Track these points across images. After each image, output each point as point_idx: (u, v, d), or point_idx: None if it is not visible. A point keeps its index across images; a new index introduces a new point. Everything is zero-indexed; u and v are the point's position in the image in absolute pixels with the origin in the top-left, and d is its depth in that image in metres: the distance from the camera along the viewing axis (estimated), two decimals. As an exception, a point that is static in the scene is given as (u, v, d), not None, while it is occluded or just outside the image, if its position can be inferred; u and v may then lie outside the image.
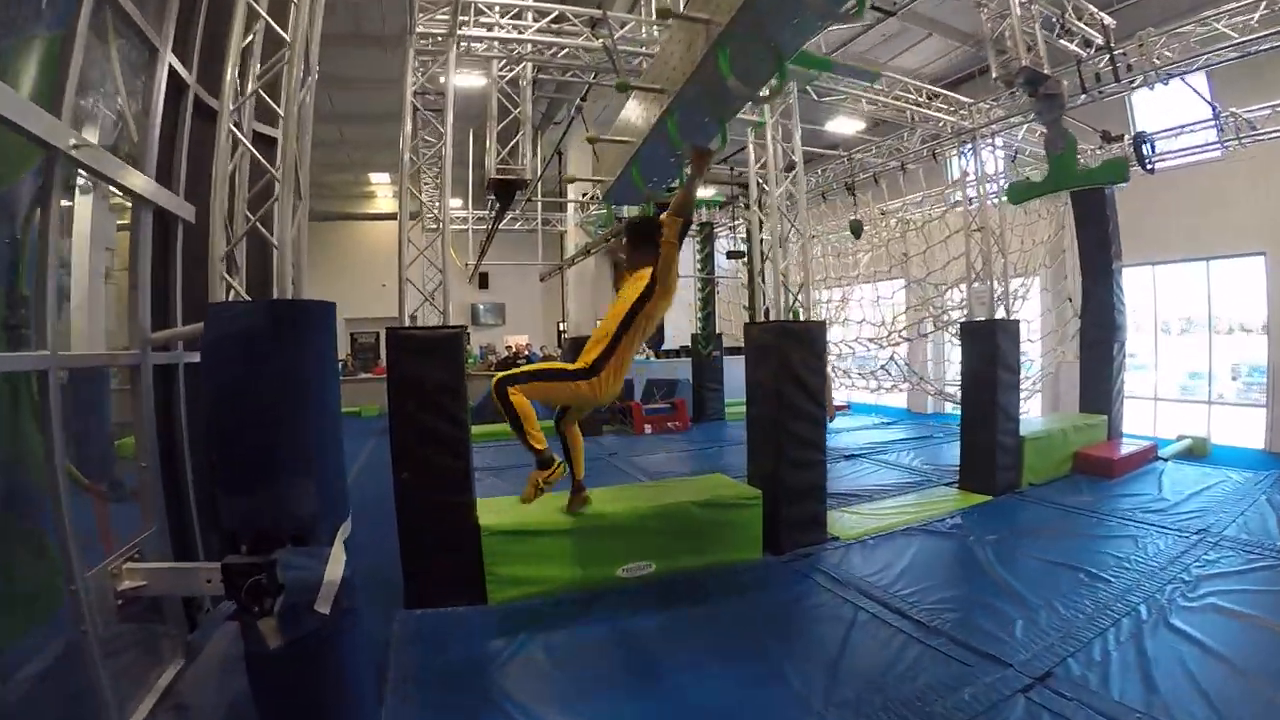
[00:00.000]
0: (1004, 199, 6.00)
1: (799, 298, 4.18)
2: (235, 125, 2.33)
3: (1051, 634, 3.04)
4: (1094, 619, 3.18)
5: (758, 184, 4.40)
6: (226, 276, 1.98)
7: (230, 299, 2.03)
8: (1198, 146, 7.73)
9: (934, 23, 9.40)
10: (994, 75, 4.55)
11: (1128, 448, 6.95)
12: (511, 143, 3.90)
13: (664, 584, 3.57)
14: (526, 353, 15.12)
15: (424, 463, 3.18)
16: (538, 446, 3.14)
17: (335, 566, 1.81)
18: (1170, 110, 7.81)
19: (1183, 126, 7.66)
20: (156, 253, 2.67)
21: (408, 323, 3.31)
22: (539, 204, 9.67)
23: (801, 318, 4.35)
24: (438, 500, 3.21)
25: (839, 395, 10.85)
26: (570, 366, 3.12)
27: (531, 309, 18.46)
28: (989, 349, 5.76)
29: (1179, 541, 4.31)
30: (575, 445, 3.58)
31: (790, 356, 3.99)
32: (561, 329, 17.19)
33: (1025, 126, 7.05)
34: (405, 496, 3.17)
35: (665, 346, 13.49)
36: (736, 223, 11.05)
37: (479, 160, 11.87)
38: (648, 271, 3.06)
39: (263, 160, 2.20)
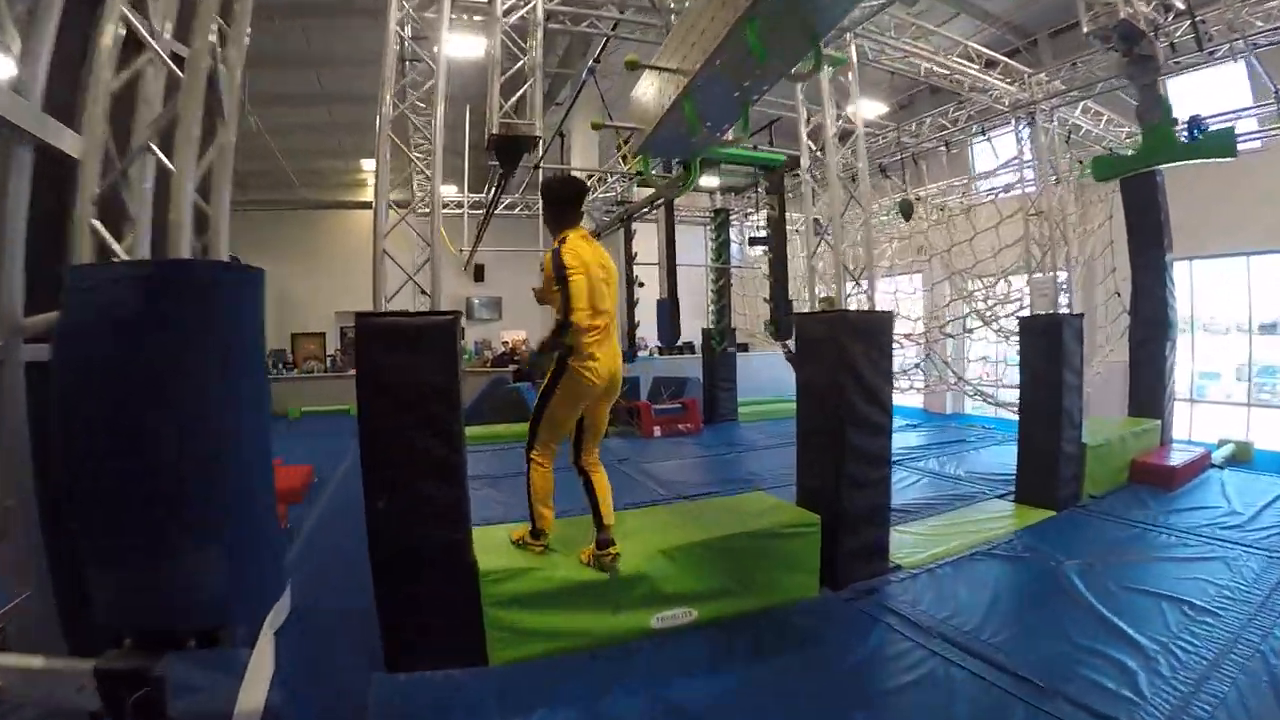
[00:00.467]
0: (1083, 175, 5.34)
1: (861, 283, 3.51)
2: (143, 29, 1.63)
3: (1180, 688, 2.55)
4: (1218, 665, 2.71)
5: (809, 150, 3.73)
6: (98, 226, 1.29)
7: (112, 262, 1.33)
8: (1254, 133, 7.17)
9: (963, 2, 8.91)
10: (1084, 30, 3.92)
11: (1184, 455, 6.42)
12: (519, 93, 3.21)
13: (709, 635, 2.89)
14: (524, 348, 14.43)
15: (405, 489, 2.47)
16: (538, 525, 2.90)
17: (256, 685, 1.13)
18: (1209, 97, 7.25)
19: (1240, 111, 7.08)
20: (45, 208, 1.97)
21: (384, 307, 2.60)
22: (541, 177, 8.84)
23: (854, 306, 3.68)
24: (423, 536, 2.50)
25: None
26: (554, 372, 2.82)
27: (530, 303, 17.66)
28: (1053, 347, 5.14)
29: (1272, 564, 3.87)
30: (599, 485, 2.96)
31: (852, 352, 3.31)
32: (563, 323, 16.42)
33: (1080, 105, 6.44)
34: (381, 531, 2.45)
35: (661, 343, 12.62)
36: (752, 211, 10.34)
37: (475, 143, 11.19)
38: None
39: (172, 66, 1.51)
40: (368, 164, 15.82)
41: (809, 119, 3.83)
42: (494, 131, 3.06)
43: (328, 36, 9.55)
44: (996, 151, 6.75)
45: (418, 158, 3.01)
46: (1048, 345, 5.16)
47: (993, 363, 10.43)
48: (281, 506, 5.38)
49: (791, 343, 9.72)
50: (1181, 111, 4.43)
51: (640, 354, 12.49)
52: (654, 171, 3.75)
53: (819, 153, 3.68)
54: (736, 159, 2.63)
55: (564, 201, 2.90)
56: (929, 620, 3.16)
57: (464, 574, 2.49)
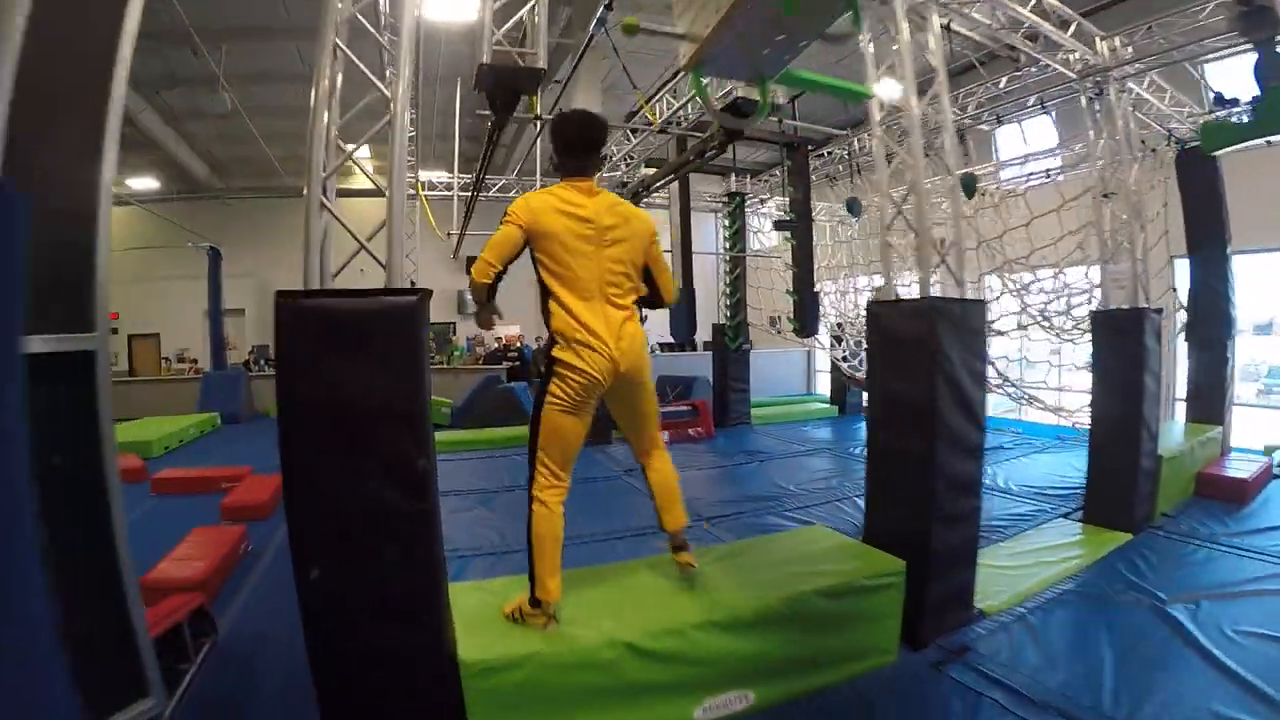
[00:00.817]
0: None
1: (955, 269, 2.79)
2: None
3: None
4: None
5: (879, 104, 3.01)
6: None
7: None
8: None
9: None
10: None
11: (1249, 465, 5.83)
12: (517, 16, 2.47)
13: (770, 729, 2.18)
14: (520, 344, 13.68)
15: (351, 554, 1.68)
16: (539, 595, 2.10)
17: None
18: (1243, 84, 6.63)
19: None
20: None
21: (319, 284, 1.82)
22: (538, 159, 7.97)
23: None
24: (379, 620, 1.74)
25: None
26: (544, 372, 2.28)
27: (527, 296, 16.90)
28: (1131, 346, 4.45)
29: (1387, 595, 3.30)
30: (654, 478, 2.58)
31: (948, 353, 2.57)
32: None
33: (1146, 79, 5.76)
34: (319, 614, 1.66)
35: (675, 338, 11.61)
36: (767, 196, 9.57)
37: (469, 132, 10.33)
38: None
39: None
40: (359, 152, 14.97)
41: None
42: (485, 61, 2.32)
43: (307, 5, 8.81)
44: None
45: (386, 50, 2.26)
46: (1125, 344, 4.49)
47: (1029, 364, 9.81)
48: (241, 526, 4.61)
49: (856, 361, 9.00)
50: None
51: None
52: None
53: (894, 106, 2.97)
54: (817, 86, 1.91)
55: (568, 144, 2.26)
56: (1042, 692, 2.46)
57: (438, 668, 1.73)
